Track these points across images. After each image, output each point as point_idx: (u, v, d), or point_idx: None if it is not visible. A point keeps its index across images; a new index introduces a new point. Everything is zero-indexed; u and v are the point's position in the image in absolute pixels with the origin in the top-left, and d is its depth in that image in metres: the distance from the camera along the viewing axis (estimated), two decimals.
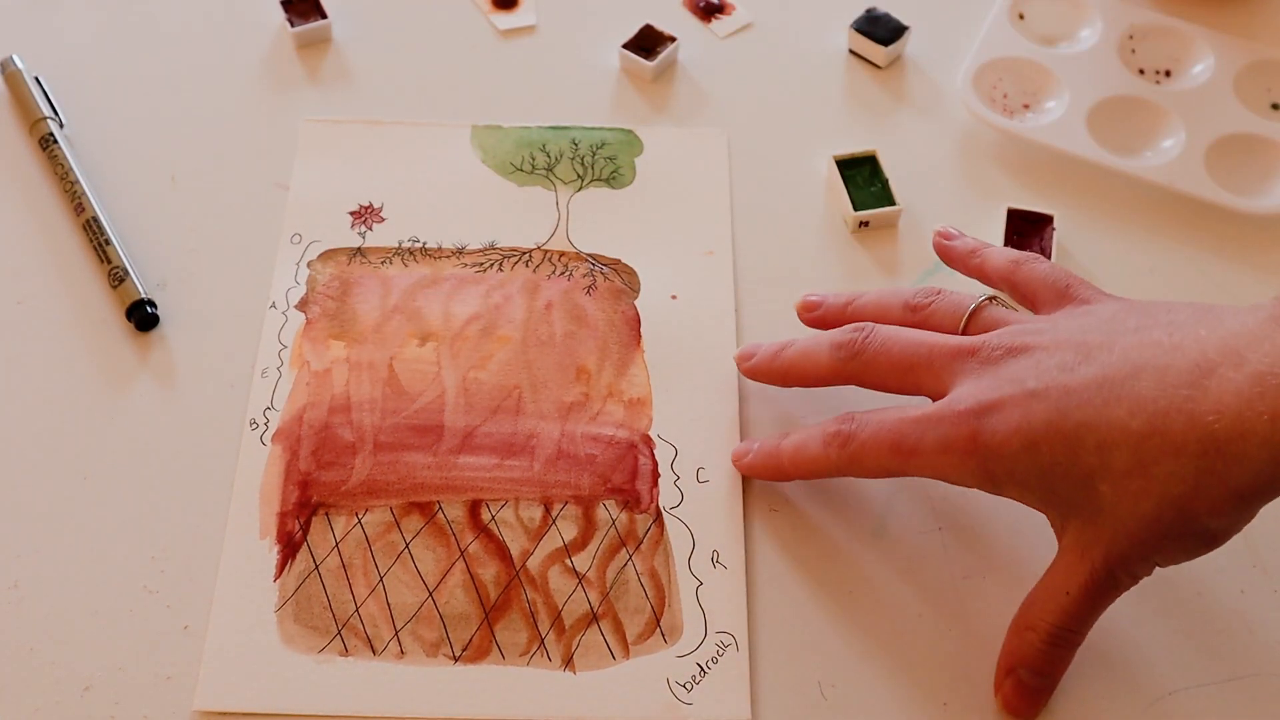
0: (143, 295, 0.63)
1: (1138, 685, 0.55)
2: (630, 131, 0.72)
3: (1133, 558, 0.49)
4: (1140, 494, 0.47)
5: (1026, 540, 0.58)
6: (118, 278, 0.64)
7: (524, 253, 0.67)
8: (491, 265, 0.66)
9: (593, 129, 0.72)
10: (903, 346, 0.55)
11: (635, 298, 0.65)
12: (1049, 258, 0.66)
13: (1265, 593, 0.58)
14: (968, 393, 0.51)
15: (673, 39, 0.75)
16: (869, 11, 0.76)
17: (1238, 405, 0.45)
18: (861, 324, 0.57)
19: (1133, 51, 0.76)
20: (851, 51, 0.77)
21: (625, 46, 0.75)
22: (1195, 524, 0.48)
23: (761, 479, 0.59)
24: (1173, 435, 0.46)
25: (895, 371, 0.55)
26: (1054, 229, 0.68)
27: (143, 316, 0.63)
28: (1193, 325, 0.48)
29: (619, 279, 0.66)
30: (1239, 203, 0.69)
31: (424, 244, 0.67)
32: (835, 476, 0.58)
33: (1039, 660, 0.53)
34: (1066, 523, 0.51)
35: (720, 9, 0.79)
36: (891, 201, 0.69)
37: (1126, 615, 0.56)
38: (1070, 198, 0.71)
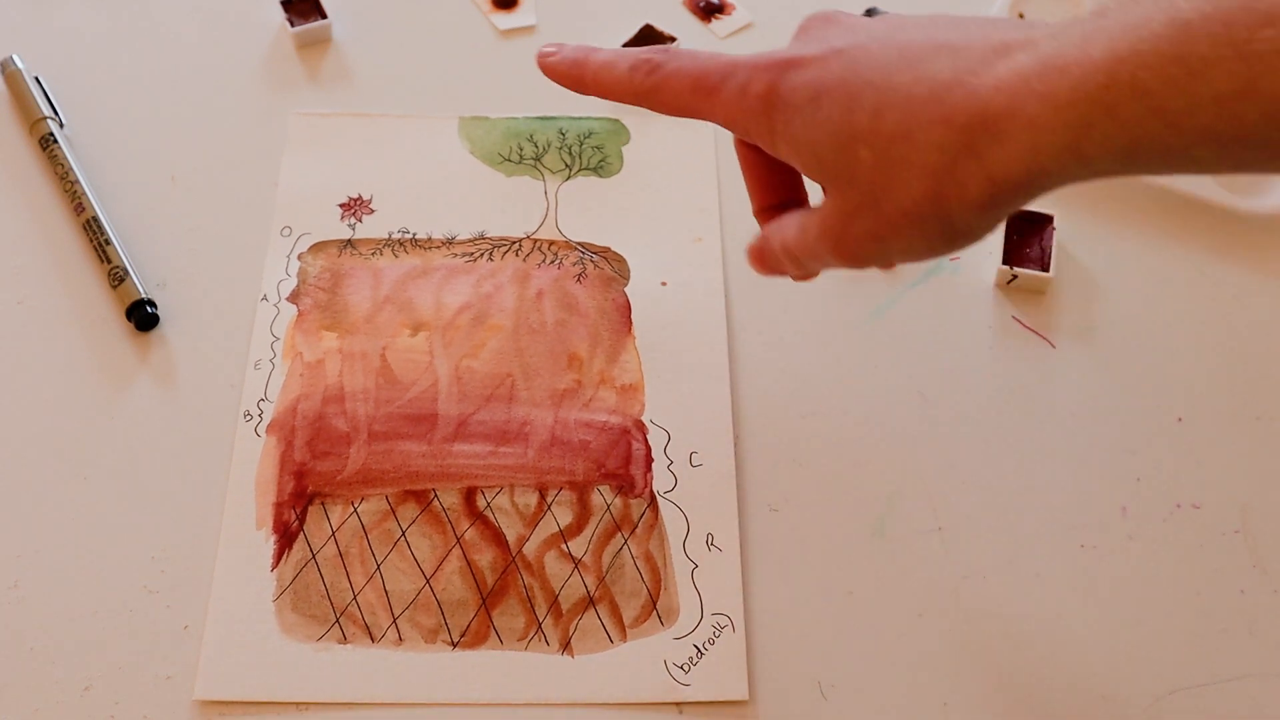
0: (143, 295, 0.64)
1: (1137, 685, 0.55)
2: (617, 120, 0.73)
3: (874, 235, 0.47)
4: (899, 161, 0.45)
5: (1026, 540, 0.58)
6: (118, 278, 0.64)
7: (514, 242, 0.67)
8: (481, 255, 0.66)
9: (580, 118, 0.72)
10: (705, 61, 0.51)
11: (625, 285, 0.66)
12: (1049, 258, 0.66)
13: (1265, 593, 0.57)
14: (781, 51, 0.49)
15: (673, 39, 0.75)
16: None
17: (1015, 82, 0.43)
18: (666, 47, 0.53)
19: None
20: None
21: (625, 46, 0.74)
22: (942, 208, 0.45)
23: (556, 82, 0.55)
24: (948, 104, 0.44)
25: (697, 91, 0.51)
26: (1054, 229, 0.67)
27: (143, 316, 0.63)
28: (1013, 26, 0.46)
29: (609, 266, 0.66)
30: (1239, 203, 0.69)
31: (414, 235, 0.67)
32: (630, 104, 0.53)
33: (783, 262, 0.52)
34: (828, 188, 0.48)
35: (720, 9, 0.79)
36: None
37: (1126, 614, 0.56)
38: (1070, 198, 0.70)
